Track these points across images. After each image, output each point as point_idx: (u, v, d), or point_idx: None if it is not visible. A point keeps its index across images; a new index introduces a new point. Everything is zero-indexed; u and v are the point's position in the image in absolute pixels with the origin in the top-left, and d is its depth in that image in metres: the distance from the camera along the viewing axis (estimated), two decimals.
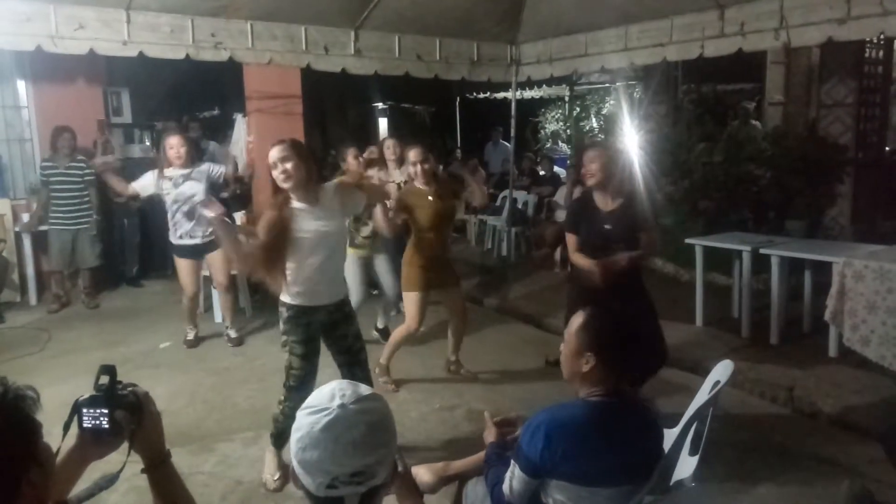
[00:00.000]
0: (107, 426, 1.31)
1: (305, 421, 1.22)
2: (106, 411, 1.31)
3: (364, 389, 1.28)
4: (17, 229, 6.86)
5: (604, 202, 3.72)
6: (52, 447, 1.35)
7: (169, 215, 5.24)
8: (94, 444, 1.35)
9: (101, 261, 6.86)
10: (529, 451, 1.89)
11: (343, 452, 1.19)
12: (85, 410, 1.31)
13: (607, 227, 3.65)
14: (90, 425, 1.32)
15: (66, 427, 1.32)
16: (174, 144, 5.17)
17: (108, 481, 1.36)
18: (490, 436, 2.22)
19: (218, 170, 5.42)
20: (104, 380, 1.34)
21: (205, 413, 4.24)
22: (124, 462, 1.36)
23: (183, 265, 5.36)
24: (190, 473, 3.38)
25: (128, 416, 1.32)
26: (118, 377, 1.36)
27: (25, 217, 6.91)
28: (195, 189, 5.18)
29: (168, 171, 5.17)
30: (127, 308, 6.75)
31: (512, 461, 1.96)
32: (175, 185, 5.14)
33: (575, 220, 3.86)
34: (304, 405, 1.26)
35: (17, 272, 6.90)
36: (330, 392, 1.25)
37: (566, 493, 1.91)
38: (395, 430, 1.29)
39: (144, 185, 5.27)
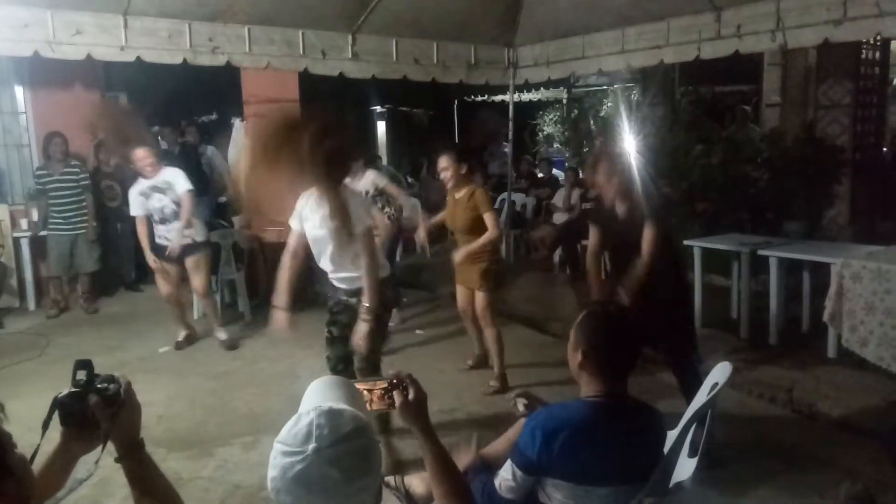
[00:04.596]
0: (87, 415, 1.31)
1: (279, 461, 1.16)
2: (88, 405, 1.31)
3: (346, 424, 1.18)
4: (15, 234, 6.85)
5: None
6: (48, 450, 1.35)
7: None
8: (78, 439, 1.35)
9: (99, 265, 6.86)
10: (527, 450, 1.91)
11: (315, 503, 1.15)
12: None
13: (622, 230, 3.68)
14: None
15: (45, 425, 1.31)
16: (142, 156, 5.10)
17: (87, 472, 1.35)
18: (466, 458, 2.23)
19: (183, 188, 5.19)
20: (81, 375, 1.33)
21: (204, 417, 4.24)
22: (100, 452, 1.35)
23: (157, 267, 5.37)
24: (189, 478, 3.39)
25: (101, 403, 1.31)
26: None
27: (24, 223, 6.91)
28: (163, 201, 5.17)
29: (138, 185, 5.19)
30: (126, 313, 6.74)
31: (508, 460, 1.97)
32: (146, 197, 5.16)
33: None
34: (280, 437, 1.19)
35: (15, 277, 6.90)
36: (307, 429, 1.16)
37: (563, 492, 1.92)
38: (377, 467, 1.23)
39: (136, 206, 5.23)
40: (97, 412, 1.30)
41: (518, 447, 1.94)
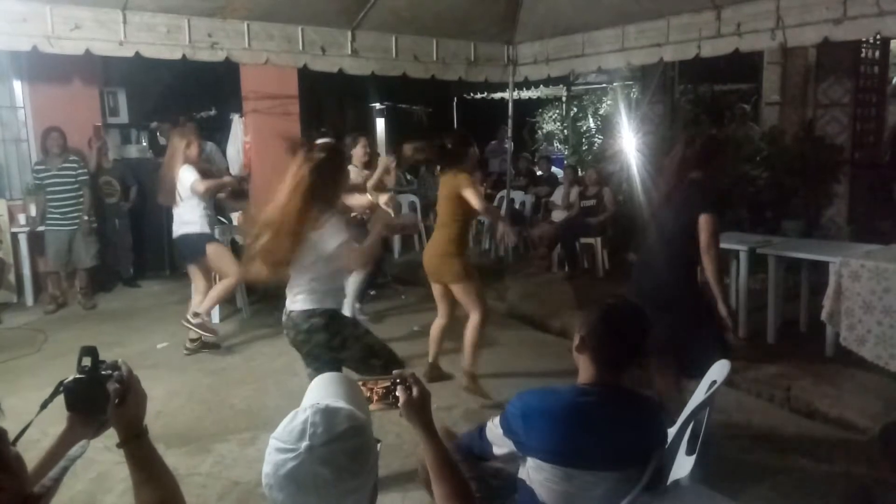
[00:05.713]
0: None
1: (273, 458, 1.16)
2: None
3: (341, 423, 1.17)
4: (13, 230, 6.85)
5: None
6: (46, 445, 1.35)
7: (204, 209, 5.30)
8: (83, 424, 1.35)
9: (97, 261, 6.85)
10: (512, 420, 1.97)
11: (305, 502, 1.14)
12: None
13: None
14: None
15: (44, 405, 1.31)
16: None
17: (80, 449, 1.34)
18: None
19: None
20: (86, 361, 1.33)
21: (202, 413, 4.24)
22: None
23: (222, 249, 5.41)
24: (187, 474, 3.38)
25: (119, 389, 1.33)
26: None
27: (22, 218, 6.90)
28: None
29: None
30: (124, 309, 6.74)
31: (499, 418, 2.05)
32: None
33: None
34: (275, 433, 1.19)
35: (13, 273, 6.89)
36: (301, 426, 1.16)
37: (544, 474, 1.94)
38: (372, 468, 1.21)
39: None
40: (112, 398, 1.31)
41: (506, 412, 1.99)
